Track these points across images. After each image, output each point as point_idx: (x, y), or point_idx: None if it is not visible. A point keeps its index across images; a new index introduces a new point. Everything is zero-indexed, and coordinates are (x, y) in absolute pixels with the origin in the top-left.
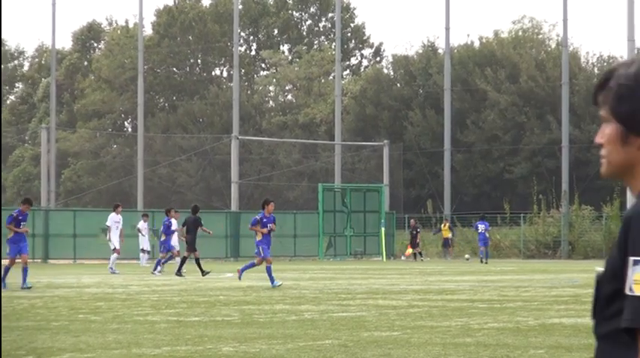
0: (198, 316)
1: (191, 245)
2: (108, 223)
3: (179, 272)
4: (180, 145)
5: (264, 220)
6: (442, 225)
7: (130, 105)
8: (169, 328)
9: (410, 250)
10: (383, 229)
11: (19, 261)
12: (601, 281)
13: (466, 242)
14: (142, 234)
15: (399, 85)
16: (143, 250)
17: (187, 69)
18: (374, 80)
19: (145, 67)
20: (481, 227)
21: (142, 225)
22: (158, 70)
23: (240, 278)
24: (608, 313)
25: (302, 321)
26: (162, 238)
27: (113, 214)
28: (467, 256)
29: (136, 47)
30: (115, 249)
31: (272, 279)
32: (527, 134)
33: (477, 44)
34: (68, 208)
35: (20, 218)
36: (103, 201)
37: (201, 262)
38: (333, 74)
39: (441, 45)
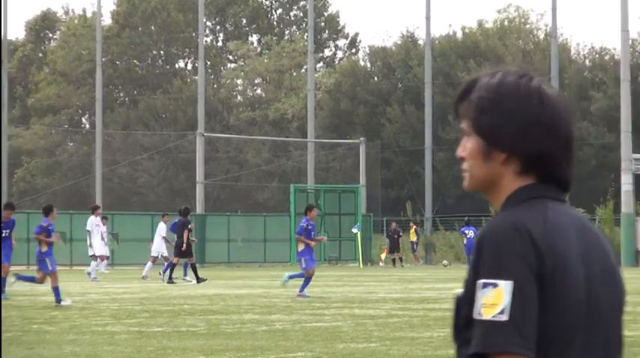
0: (161, 326)
1: (178, 249)
2: (88, 227)
3: (170, 280)
4: (141, 143)
5: (310, 228)
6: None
7: (88, 100)
8: (130, 339)
9: (384, 255)
10: (359, 233)
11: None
12: (460, 303)
13: (449, 246)
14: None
15: (376, 78)
16: (95, 255)
17: (149, 61)
18: (349, 73)
19: (104, 59)
20: (469, 233)
21: (102, 228)
22: (118, 63)
23: (284, 282)
24: (467, 336)
25: (273, 332)
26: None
27: (92, 217)
28: (445, 262)
29: (94, 38)
30: (94, 255)
31: (302, 288)
32: None
33: (459, 35)
34: (22, 210)
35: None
36: (59, 202)
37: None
38: (305, 67)
39: (421, 35)
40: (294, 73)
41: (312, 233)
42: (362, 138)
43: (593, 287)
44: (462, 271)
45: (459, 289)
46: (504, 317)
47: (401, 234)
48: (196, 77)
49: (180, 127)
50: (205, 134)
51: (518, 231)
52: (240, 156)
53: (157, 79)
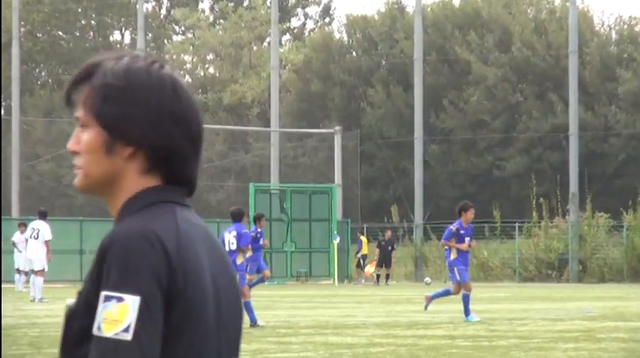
0: None
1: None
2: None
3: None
4: (68, 133)
5: (462, 231)
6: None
7: (2, 81)
8: None
9: (372, 268)
10: (335, 243)
11: None
12: (72, 315)
13: (443, 260)
14: (19, 250)
15: (354, 53)
16: (19, 270)
17: (77, 33)
18: (322, 47)
19: (22, 29)
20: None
21: (19, 237)
22: (39, 35)
23: (426, 307)
24: (79, 354)
25: None
26: (249, 254)
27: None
28: (427, 279)
29: (10, 4)
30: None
31: (467, 312)
32: (523, 119)
33: (456, 1)
34: None
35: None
36: None
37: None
38: (268, 40)
39: (410, 2)
40: (255, 48)
41: (466, 239)
42: (337, 127)
43: (222, 304)
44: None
45: (71, 299)
46: (128, 336)
47: (395, 246)
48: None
49: None
50: None
51: (149, 241)
52: None
53: (86, 54)
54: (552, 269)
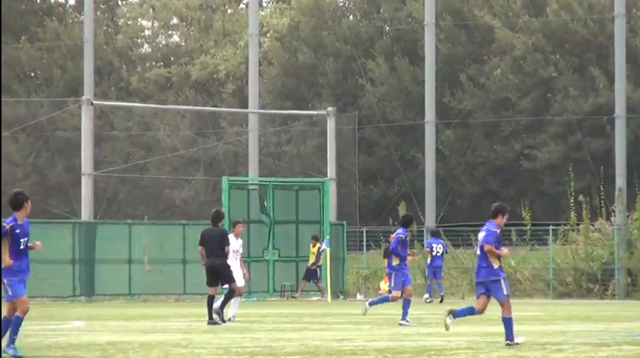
0: None
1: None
2: None
3: (221, 317)
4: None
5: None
6: (312, 245)
7: None
8: None
9: (385, 284)
10: (328, 250)
11: None
12: None
13: (461, 271)
14: None
15: (351, 17)
16: None
17: None
18: (312, 10)
19: None
20: (438, 248)
21: None
22: None
23: (449, 317)
24: None
25: None
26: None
27: None
28: (426, 296)
29: None
30: None
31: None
32: (557, 97)
33: None
34: None
35: None
36: None
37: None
38: (245, 0)
39: None
40: (230, 11)
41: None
42: (330, 109)
43: None
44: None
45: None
46: None
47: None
48: (82, 17)
49: (57, 92)
50: (95, 102)
51: None
52: (148, 135)
53: (21, 18)
54: (594, 283)
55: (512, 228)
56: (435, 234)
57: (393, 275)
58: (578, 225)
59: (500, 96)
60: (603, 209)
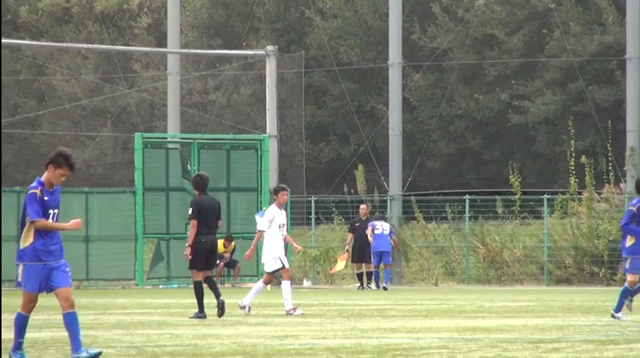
0: None
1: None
2: None
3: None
4: None
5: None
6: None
7: None
8: None
9: (342, 263)
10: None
11: None
12: None
13: (433, 251)
14: None
15: None
16: None
17: None
18: None
19: None
20: (380, 227)
21: None
22: None
23: None
24: None
25: None
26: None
27: None
28: (384, 285)
29: None
30: None
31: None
32: (555, 34)
33: None
34: None
35: None
36: None
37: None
38: None
39: None
40: None
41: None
42: (270, 48)
43: None
44: (451, 300)
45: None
46: None
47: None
48: None
49: None
50: None
51: None
52: (41, 80)
53: None
54: (600, 266)
55: (497, 196)
56: (381, 216)
57: (629, 259)
58: (579, 193)
59: (483, 33)
60: (611, 173)
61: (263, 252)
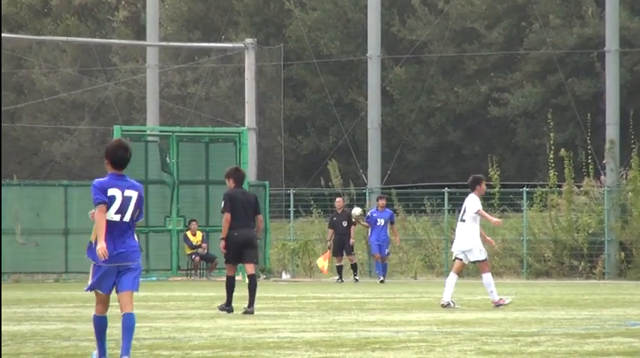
0: None
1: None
2: None
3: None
4: None
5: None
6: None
7: None
8: None
9: (325, 262)
10: None
11: None
12: None
13: (414, 245)
14: None
15: None
16: None
17: None
18: None
19: None
20: (381, 220)
21: None
22: None
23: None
24: None
25: None
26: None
27: None
28: (381, 278)
29: None
30: None
31: None
32: (534, 27)
33: None
34: None
35: None
36: None
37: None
38: None
39: None
40: None
41: None
42: (249, 40)
43: None
44: (429, 292)
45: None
46: None
47: (354, 219)
48: None
49: None
50: None
51: None
52: (19, 73)
53: None
54: (579, 259)
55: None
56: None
57: None
58: (559, 186)
59: (462, 26)
60: (590, 166)
61: (462, 240)
